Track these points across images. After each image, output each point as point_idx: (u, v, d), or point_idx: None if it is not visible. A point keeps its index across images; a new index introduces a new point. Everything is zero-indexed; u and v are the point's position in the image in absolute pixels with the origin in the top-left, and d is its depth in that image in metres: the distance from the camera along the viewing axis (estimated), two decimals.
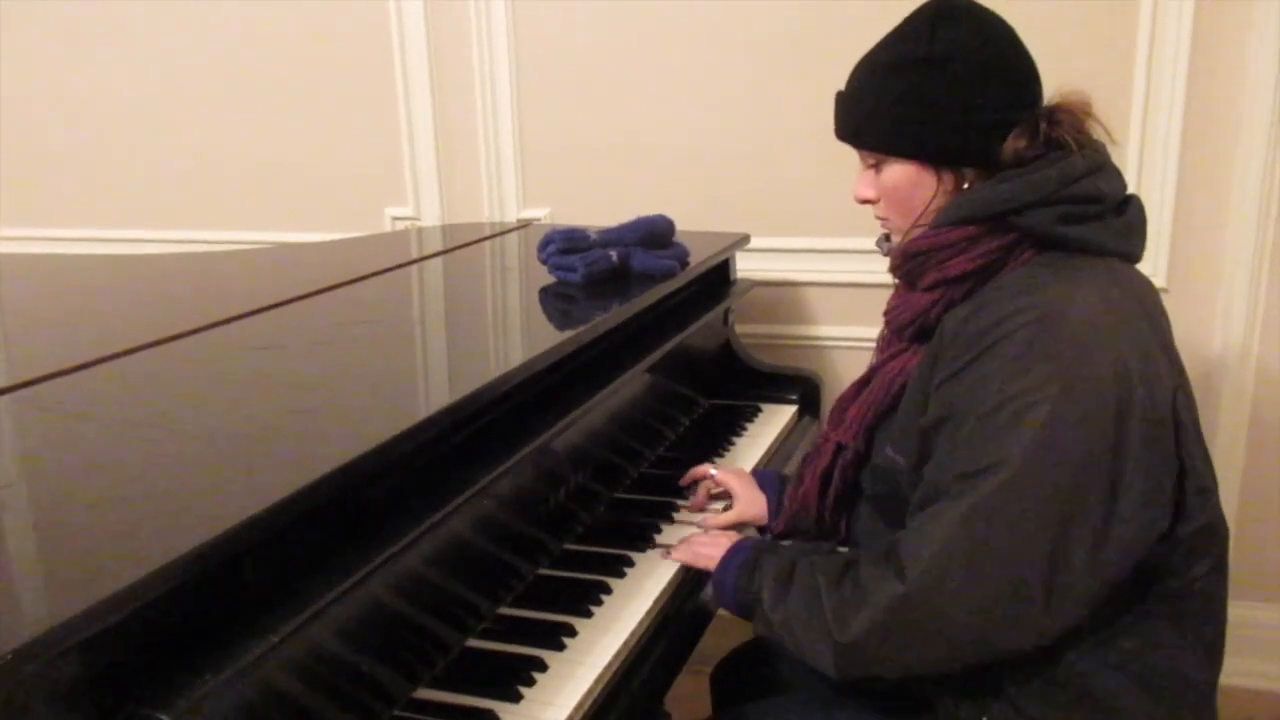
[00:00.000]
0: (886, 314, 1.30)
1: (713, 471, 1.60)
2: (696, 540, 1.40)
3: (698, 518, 1.54)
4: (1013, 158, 1.16)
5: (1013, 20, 1.21)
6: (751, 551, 1.29)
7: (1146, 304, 1.17)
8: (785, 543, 1.41)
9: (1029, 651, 1.10)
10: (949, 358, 1.13)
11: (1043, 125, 1.17)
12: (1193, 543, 1.13)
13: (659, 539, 1.46)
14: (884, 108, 1.20)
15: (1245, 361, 2.11)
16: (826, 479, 1.35)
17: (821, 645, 1.14)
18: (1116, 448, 1.05)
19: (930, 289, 1.19)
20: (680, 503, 1.58)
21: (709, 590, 1.34)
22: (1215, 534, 1.15)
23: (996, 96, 1.17)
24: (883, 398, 1.27)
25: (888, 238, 1.30)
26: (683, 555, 1.38)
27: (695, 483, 1.61)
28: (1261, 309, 2.08)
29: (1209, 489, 1.14)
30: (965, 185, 1.19)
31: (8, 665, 0.66)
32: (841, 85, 1.27)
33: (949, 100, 1.17)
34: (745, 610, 1.26)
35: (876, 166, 1.24)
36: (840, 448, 1.32)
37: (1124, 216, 1.19)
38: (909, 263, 1.21)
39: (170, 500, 0.95)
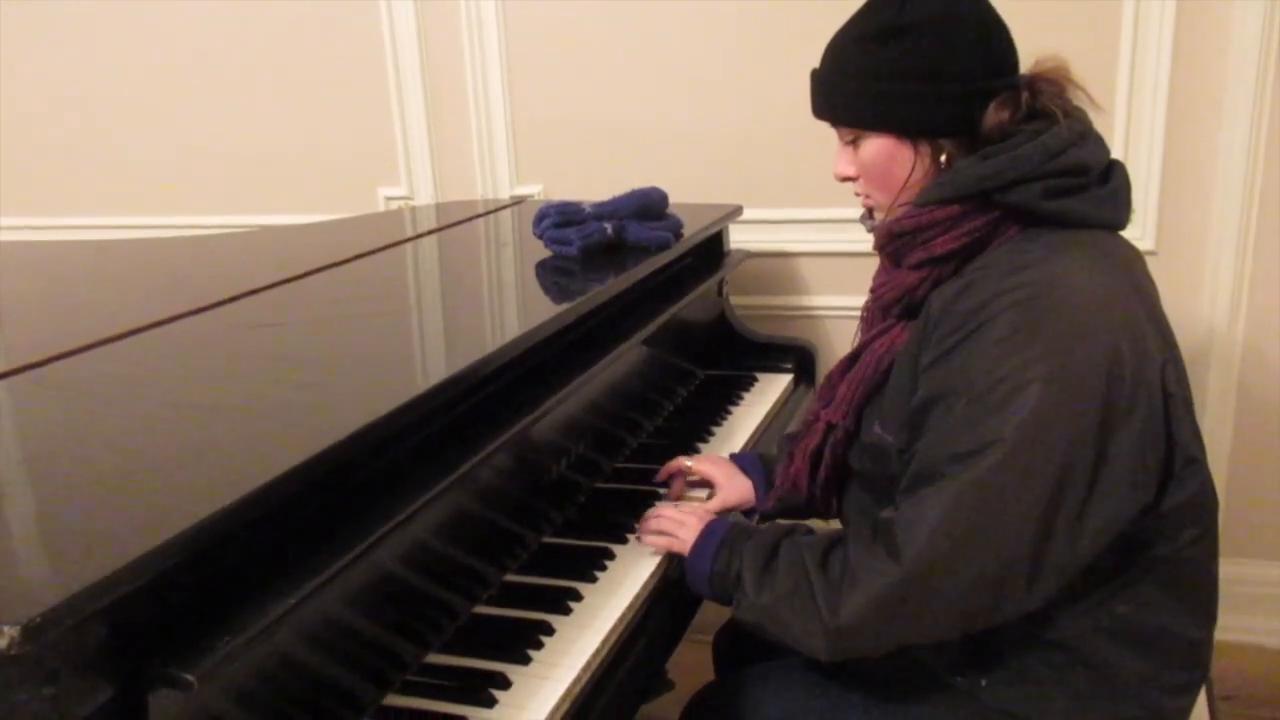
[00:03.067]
0: (873, 290, 1.29)
1: (689, 463, 1.55)
2: (663, 516, 1.36)
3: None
4: (995, 130, 1.15)
5: None
6: (727, 535, 1.26)
7: (1134, 274, 1.17)
8: (761, 525, 1.37)
9: (1011, 622, 1.12)
10: (937, 338, 1.13)
11: (1024, 95, 1.16)
12: (1180, 513, 1.14)
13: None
14: (857, 82, 1.20)
15: (1233, 325, 2.13)
16: (817, 458, 1.33)
17: (812, 629, 1.13)
18: (1104, 425, 1.06)
19: (916, 268, 1.19)
20: (663, 490, 1.55)
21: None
22: (1203, 504, 1.16)
23: (970, 66, 1.16)
24: (871, 375, 1.26)
25: (870, 214, 1.29)
26: (656, 541, 1.34)
27: (673, 477, 1.56)
28: (1248, 273, 2.10)
29: (1197, 459, 1.14)
30: (944, 158, 1.18)
31: (35, 629, 0.68)
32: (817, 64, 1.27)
33: (920, 71, 1.16)
34: (723, 597, 1.24)
35: (854, 143, 1.23)
36: (830, 427, 1.31)
37: (1109, 185, 1.18)
38: (893, 242, 1.21)
39: (181, 472, 0.96)
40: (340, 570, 0.96)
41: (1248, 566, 2.20)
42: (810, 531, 1.25)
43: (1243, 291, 2.11)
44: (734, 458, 1.58)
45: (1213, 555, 1.21)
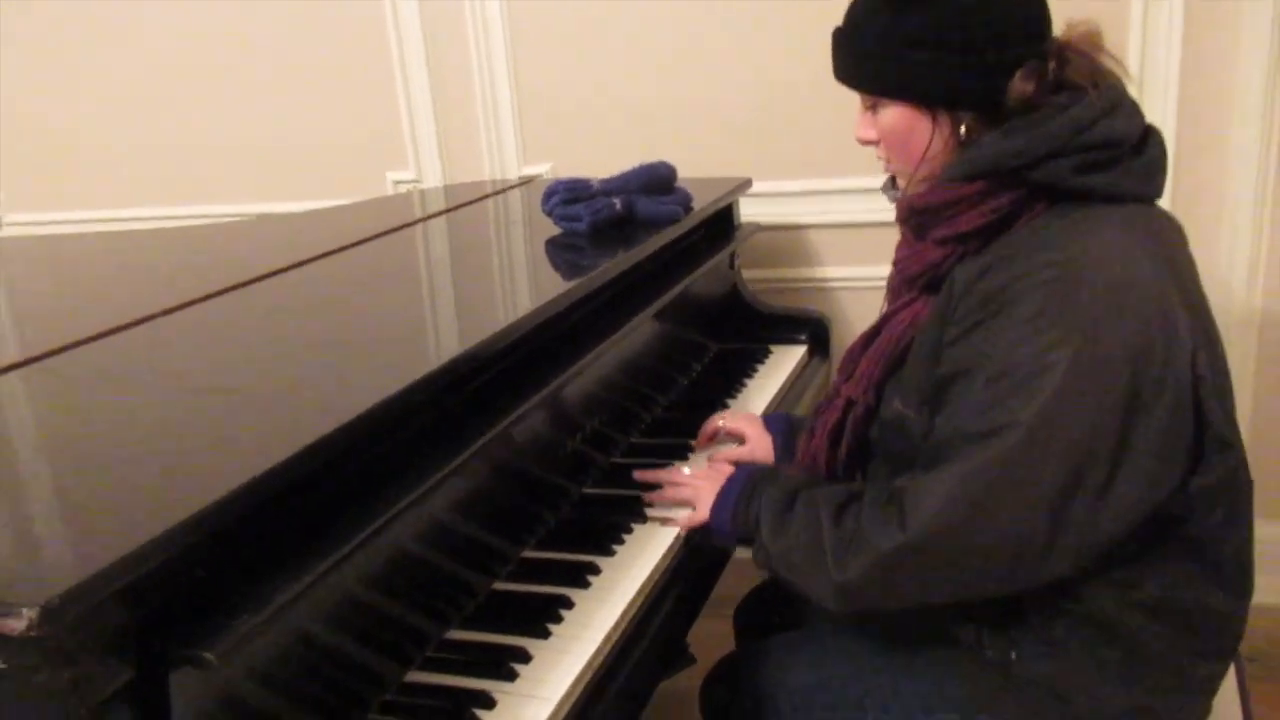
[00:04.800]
0: (896, 263, 1.26)
1: (722, 421, 1.59)
2: (678, 481, 1.38)
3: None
4: (1020, 103, 1.11)
5: None
6: (748, 480, 1.28)
7: (1169, 250, 1.13)
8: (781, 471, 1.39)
9: (1039, 594, 1.11)
10: (961, 313, 1.10)
11: (1051, 66, 1.12)
12: (1209, 494, 1.11)
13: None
14: (877, 47, 1.16)
15: (1252, 287, 2.11)
16: (837, 435, 1.32)
17: (822, 581, 1.14)
18: (1129, 411, 1.04)
19: (941, 243, 1.16)
20: (692, 443, 1.59)
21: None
22: (1234, 486, 1.13)
23: (995, 35, 1.11)
24: (892, 350, 1.24)
25: (894, 182, 1.27)
26: (679, 519, 1.35)
27: (713, 437, 1.60)
28: (1266, 235, 2.07)
29: (1231, 443, 1.11)
30: (963, 130, 1.15)
31: (53, 610, 0.68)
32: (837, 24, 1.24)
33: (942, 39, 1.12)
34: (744, 539, 1.26)
35: (874, 108, 1.20)
36: (850, 402, 1.29)
37: (1143, 156, 1.14)
38: (917, 216, 1.19)
39: (197, 455, 0.97)
40: (357, 548, 0.96)
41: (1270, 528, 2.18)
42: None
43: (1260, 256, 2.08)
44: (763, 417, 1.59)
45: (1246, 534, 1.18)
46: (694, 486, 1.36)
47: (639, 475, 1.45)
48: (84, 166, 2.88)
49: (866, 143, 1.24)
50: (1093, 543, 1.07)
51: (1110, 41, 1.17)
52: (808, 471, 1.38)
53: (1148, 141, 1.15)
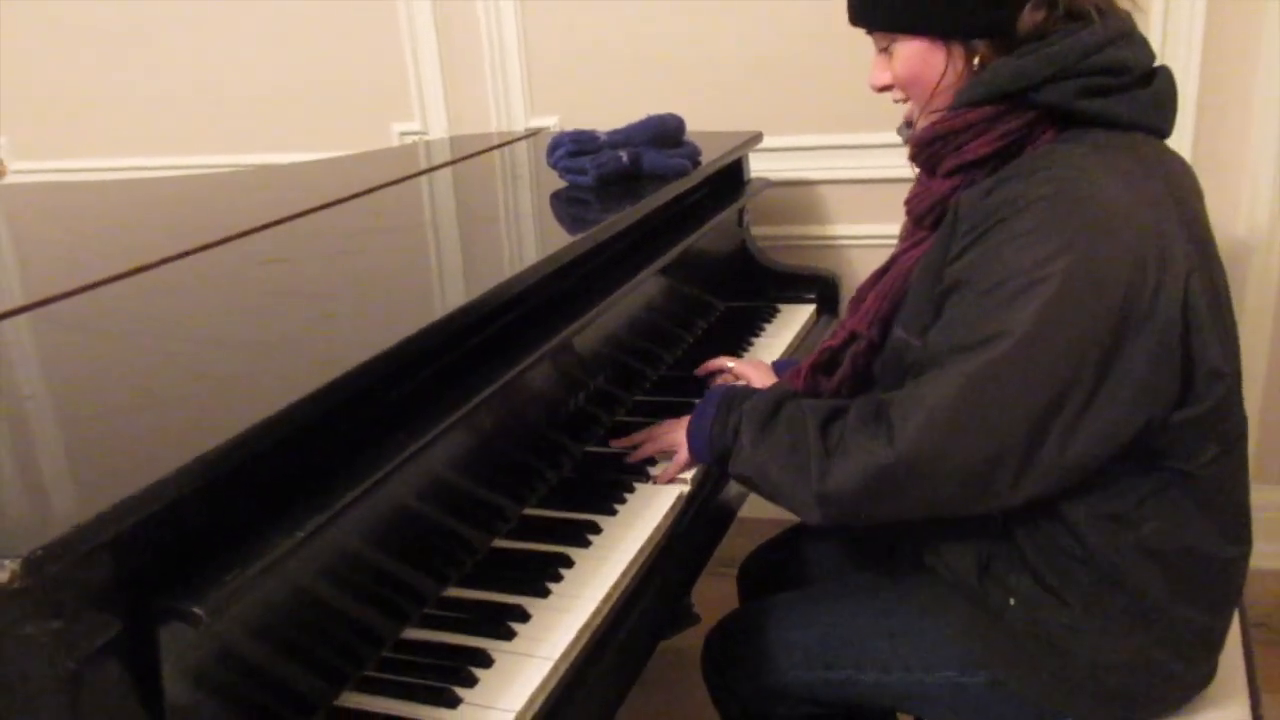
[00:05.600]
0: (907, 203, 1.26)
1: (730, 364, 1.59)
2: (655, 435, 1.39)
3: None
4: (1031, 30, 1.11)
5: None
6: (723, 398, 1.29)
7: (1171, 182, 1.13)
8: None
9: (1042, 536, 1.12)
10: (962, 232, 1.11)
11: None
12: (1196, 428, 1.11)
13: None
14: None
15: (1273, 239, 2.07)
16: (831, 365, 1.31)
17: (801, 490, 1.15)
18: (1118, 330, 1.04)
19: (950, 174, 1.16)
20: (697, 401, 1.56)
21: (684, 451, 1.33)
22: (1225, 419, 1.13)
23: None
24: (899, 287, 1.24)
25: (909, 125, 1.26)
26: (669, 473, 1.35)
27: (712, 375, 1.60)
28: None
29: (1223, 373, 1.11)
30: (977, 60, 1.15)
31: (36, 561, 0.67)
32: None
33: None
34: (721, 453, 1.26)
35: (888, 50, 1.20)
36: (854, 335, 1.28)
37: (1151, 88, 1.14)
38: (926, 149, 1.18)
39: (191, 405, 0.95)
40: (353, 503, 0.94)
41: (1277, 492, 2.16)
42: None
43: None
44: (774, 364, 1.59)
45: (1241, 475, 1.18)
46: (669, 430, 1.37)
47: (615, 443, 1.43)
48: (87, 115, 2.85)
49: (882, 88, 1.24)
50: (1069, 463, 1.07)
51: None
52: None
53: (1157, 76, 1.15)
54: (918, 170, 1.24)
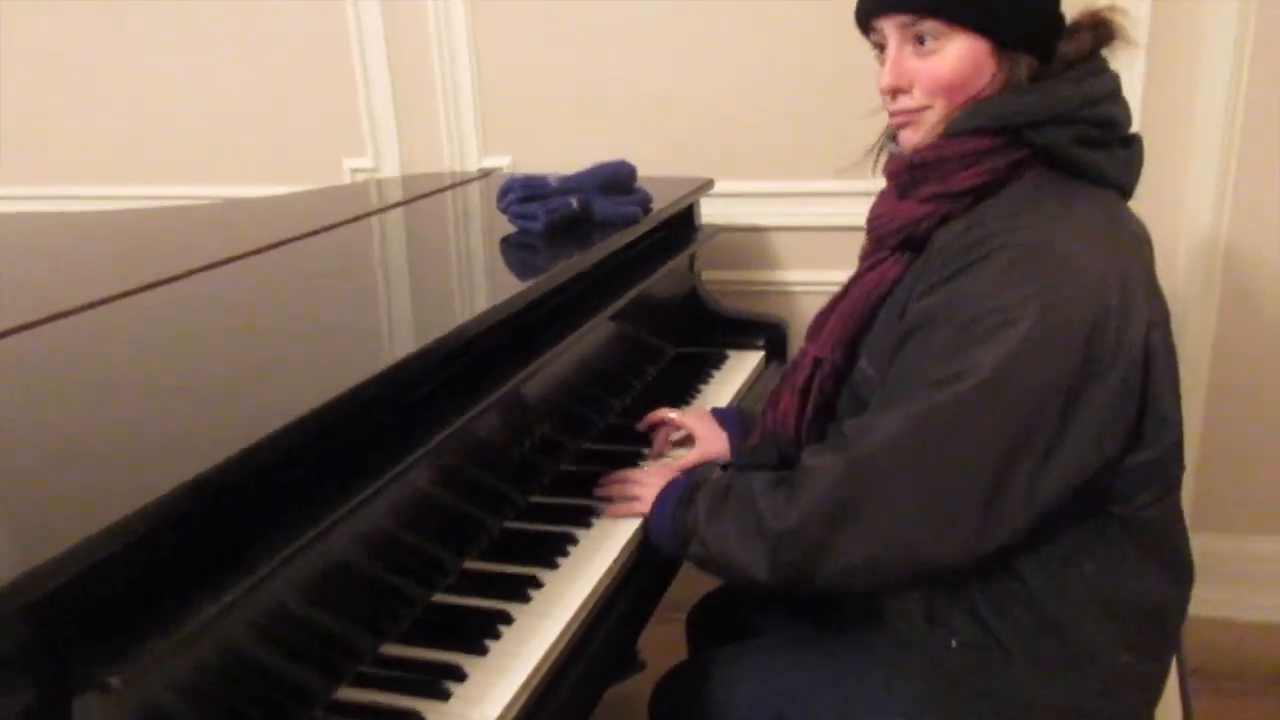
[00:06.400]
0: (870, 221, 1.25)
1: (672, 415, 1.58)
2: (625, 479, 1.39)
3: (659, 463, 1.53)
4: (1072, 55, 1.13)
5: None
6: (688, 485, 1.29)
7: (1136, 241, 1.15)
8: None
9: (953, 568, 1.11)
10: (934, 268, 1.11)
11: (1093, 32, 1.15)
12: (1141, 472, 1.13)
13: None
14: None
15: (1209, 288, 2.11)
16: (807, 392, 1.30)
17: (756, 544, 1.15)
18: (1082, 374, 1.05)
19: (926, 200, 1.15)
20: (646, 451, 1.56)
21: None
22: (1166, 465, 1.15)
23: None
24: (861, 309, 1.23)
25: (893, 139, 1.23)
26: (617, 510, 1.36)
27: (655, 428, 1.59)
28: (1226, 219, 2.06)
29: (1170, 419, 1.13)
30: (1022, 76, 1.12)
31: None
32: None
33: None
34: (680, 544, 1.26)
35: (922, 44, 1.13)
36: (818, 362, 1.28)
37: (1129, 150, 1.17)
38: (911, 173, 1.17)
39: (116, 461, 0.92)
40: (288, 560, 0.92)
41: (1219, 541, 2.19)
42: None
43: (1220, 241, 2.07)
44: (715, 411, 1.58)
45: (1177, 519, 1.20)
46: (641, 482, 1.37)
47: (599, 492, 1.42)
48: (25, 142, 2.79)
49: (895, 90, 1.17)
50: (1029, 509, 1.07)
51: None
52: (777, 434, 1.35)
53: (1133, 140, 1.18)
54: (886, 187, 1.23)
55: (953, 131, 1.14)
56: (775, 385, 1.39)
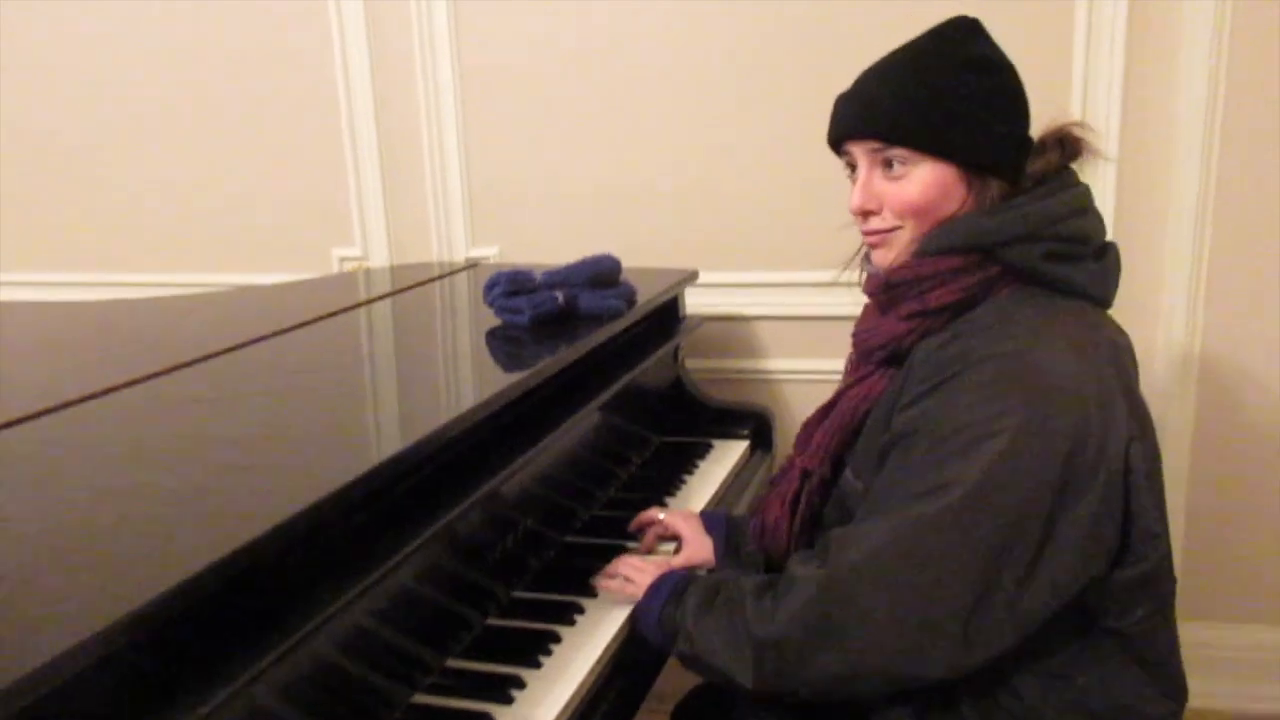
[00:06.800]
0: (855, 336, 1.28)
1: (661, 515, 1.58)
2: (625, 563, 1.39)
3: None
4: (1041, 173, 1.17)
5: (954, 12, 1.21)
6: (679, 581, 1.29)
7: (1116, 351, 1.16)
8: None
9: (937, 683, 1.09)
10: (915, 382, 1.13)
11: (1059, 151, 1.18)
12: (1132, 588, 1.13)
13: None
14: (931, 102, 1.14)
15: (1186, 385, 2.14)
16: (796, 504, 1.32)
17: (741, 651, 1.14)
18: (1062, 489, 1.05)
19: (907, 318, 1.18)
20: (631, 545, 1.56)
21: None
22: (1158, 581, 1.15)
23: (1026, 111, 1.19)
24: (848, 422, 1.26)
25: (869, 259, 1.25)
26: (612, 585, 1.37)
27: (644, 528, 1.59)
28: (1201, 321, 2.10)
29: (1158, 534, 1.13)
30: (990, 198, 1.16)
31: None
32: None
33: (998, 104, 1.16)
34: (667, 638, 1.25)
35: (897, 171, 1.16)
36: (806, 474, 1.30)
37: (1102, 262, 1.19)
38: (889, 291, 1.20)
39: (84, 574, 0.89)
40: (263, 670, 0.91)
41: (1202, 630, 2.19)
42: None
43: (1195, 338, 2.11)
44: (702, 515, 1.58)
45: (1173, 635, 1.19)
46: (639, 568, 1.37)
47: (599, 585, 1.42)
48: (12, 229, 2.81)
49: (866, 213, 1.20)
50: (1014, 625, 1.06)
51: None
52: (768, 544, 1.37)
53: (1107, 251, 1.21)
54: (868, 302, 1.26)
55: (924, 251, 1.16)
56: (763, 494, 1.41)
